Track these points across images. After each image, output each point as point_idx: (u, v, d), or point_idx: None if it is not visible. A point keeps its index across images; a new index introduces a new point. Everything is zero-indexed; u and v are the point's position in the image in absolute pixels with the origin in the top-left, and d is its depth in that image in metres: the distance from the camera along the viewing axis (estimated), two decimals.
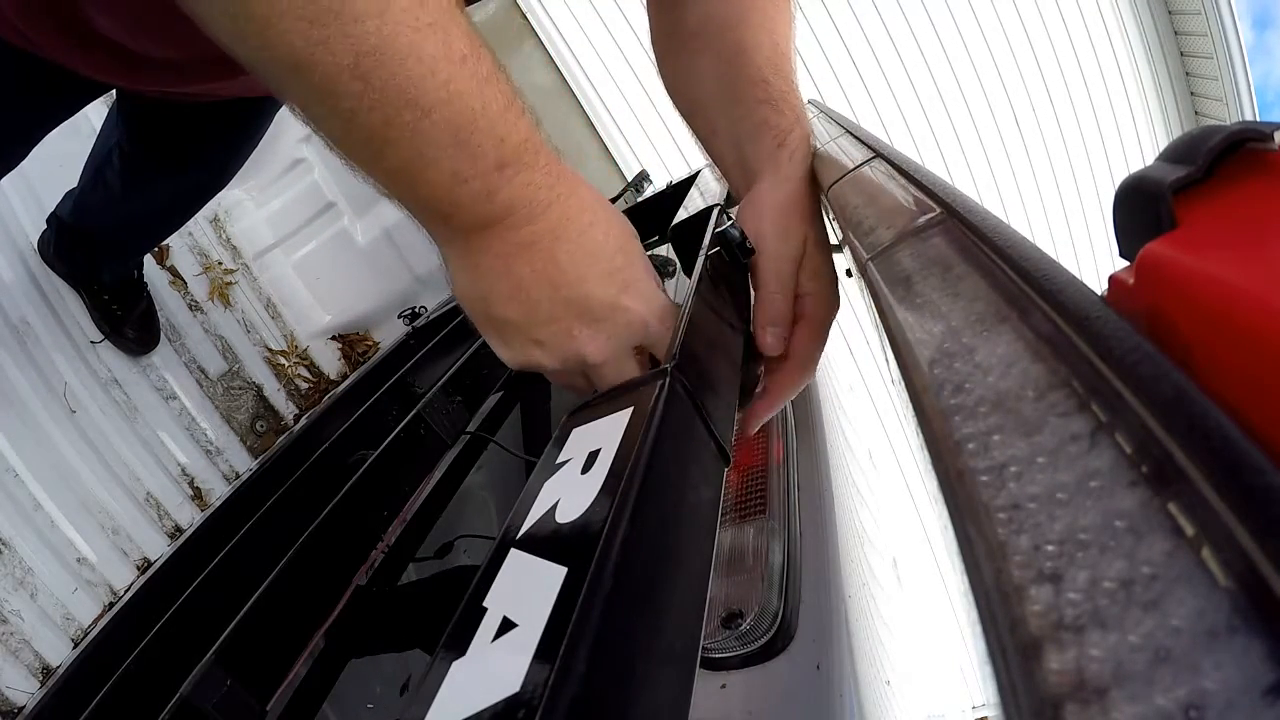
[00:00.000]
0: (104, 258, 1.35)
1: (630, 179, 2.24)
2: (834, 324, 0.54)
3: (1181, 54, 4.31)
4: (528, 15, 3.20)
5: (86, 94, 0.82)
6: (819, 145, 0.58)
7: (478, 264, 0.41)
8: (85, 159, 1.16)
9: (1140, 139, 4.35)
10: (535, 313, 0.41)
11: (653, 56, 0.66)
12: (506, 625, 0.26)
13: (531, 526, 0.32)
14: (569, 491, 0.32)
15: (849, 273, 0.51)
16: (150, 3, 0.61)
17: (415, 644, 0.60)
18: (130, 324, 1.43)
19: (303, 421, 1.61)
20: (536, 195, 0.39)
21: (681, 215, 0.78)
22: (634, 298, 0.43)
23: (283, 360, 1.72)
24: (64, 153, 1.12)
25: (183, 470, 1.47)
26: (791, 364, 0.51)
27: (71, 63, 0.68)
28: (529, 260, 0.40)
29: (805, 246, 0.52)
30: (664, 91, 0.65)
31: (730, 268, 0.52)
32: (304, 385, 1.74)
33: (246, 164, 1.75)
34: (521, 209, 0.39)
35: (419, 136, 0.35)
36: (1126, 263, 0.21)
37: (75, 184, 1.23)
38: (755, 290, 0.52)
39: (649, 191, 1.98)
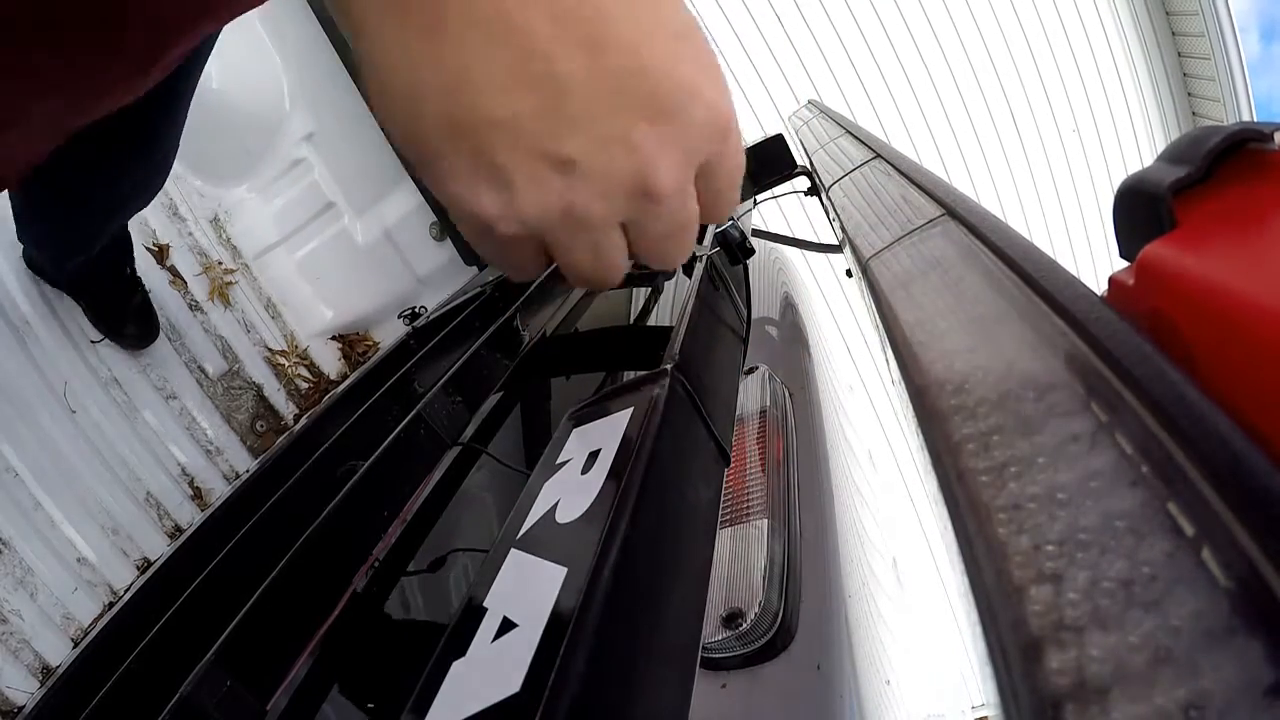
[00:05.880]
0: (63, 261, 1.29)
1: None
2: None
3: (1179, 54, 4.31)
4: None
5: None
6: (819, 145, 0.58)
7: (444, 21, 0.23)
8: None
9: (1139, 139, 4.35)
10: (564, 102, 0.24)
11: None
12: (506, 625, 0.26)
13: (531, 526, 0.32)
14: (569, 491, 0.32)
15: (849, 273, 0.51)
16: None
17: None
18: (128, 320, 1.42)
19: (302, 421, 1.61)
20: None
21: None
22: (716, 81, 0.26)
23: (283, 360, 1.72)
24: None
25: (183, 470, 1.47)
26: None
27: None
28: (548, 3, 0.23)
29: None
30: None
31: (730, 268, 0.52)
32: (304, 385, 1.74)
33: (246, 163, 1.76)
34: None
35: None
36: (1126, 263, 0.21)
37: None
38: None
39: None
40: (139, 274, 1.45)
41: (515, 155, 0.24)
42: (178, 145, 0.98)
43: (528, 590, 0.27)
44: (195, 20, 0.54)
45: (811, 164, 0.87)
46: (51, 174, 0.94)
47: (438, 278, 1.76)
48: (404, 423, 0.57)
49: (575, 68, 0.24)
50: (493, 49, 0.23)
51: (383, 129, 0.27)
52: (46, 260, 1.31)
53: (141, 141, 0.93)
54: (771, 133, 1.31)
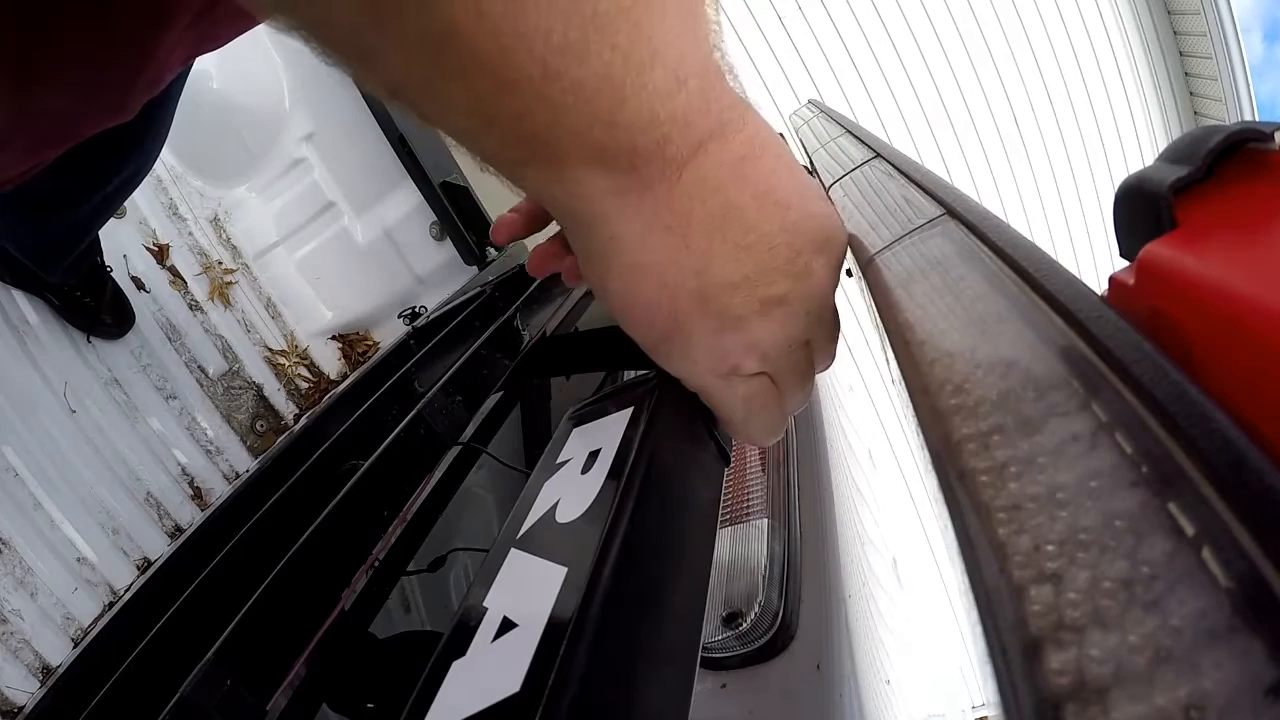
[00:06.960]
0: (47, 262, 1.26)
1: None
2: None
3: (1181, 54, 4.31)
4: None
5: None
6: (819, 145, 0.58)
7: (688, 216, 0.30)
8: None
9: (1140, 139, 4.35)
10: (772, 253, 0.31)
11: None
12: (506, 625, 0.26)
13: (531, 526, 0.32)
14: (569, 491, 0.32)
15: (849, 273, 0.51)
16: None
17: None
18: (104, 311, 1.41)
19: (303, 421, 1.61)
20: (737, 91, 0.31)
21: None
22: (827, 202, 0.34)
23: (283, 360, 1.72)
24: None
25: (183, 470, 1.47)
26: None
27: None
28: (747, 183, 0.30)
29: None
30: None
31: None
32: (304, 385, 1.74)
33: (246, 163, 1.76)
34: (730, 111, 0.29)
35: (647, 21, 0.25)
36: (1126, 263, 0.20)
37: None
38: None
39: None
40: (108, 265, 1.43)
41: (749, 303, 0.31)
42: (167, 135, 0.99)
43: (528, 590, 0.27)
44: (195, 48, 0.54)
45: (811, 163, 0.87)
46: (39, 178, 0.94)
47: (438, 278, 1.76)
48: (404, 423, 0.57)
49: (774, 228, 0.31)
50: (723, 231, 0.30)
51: (615, 311, 0.33)
52: (29, 263, 1.28)
53: (135, 141, 0.93)
54: None
